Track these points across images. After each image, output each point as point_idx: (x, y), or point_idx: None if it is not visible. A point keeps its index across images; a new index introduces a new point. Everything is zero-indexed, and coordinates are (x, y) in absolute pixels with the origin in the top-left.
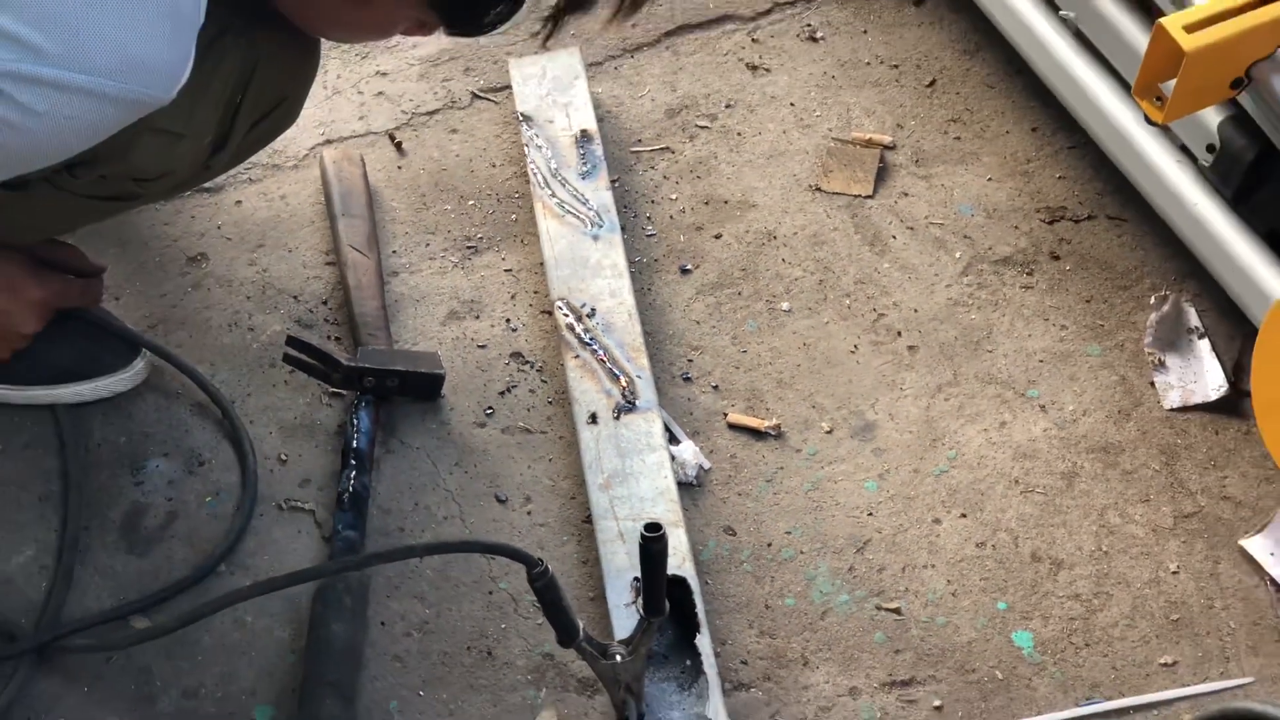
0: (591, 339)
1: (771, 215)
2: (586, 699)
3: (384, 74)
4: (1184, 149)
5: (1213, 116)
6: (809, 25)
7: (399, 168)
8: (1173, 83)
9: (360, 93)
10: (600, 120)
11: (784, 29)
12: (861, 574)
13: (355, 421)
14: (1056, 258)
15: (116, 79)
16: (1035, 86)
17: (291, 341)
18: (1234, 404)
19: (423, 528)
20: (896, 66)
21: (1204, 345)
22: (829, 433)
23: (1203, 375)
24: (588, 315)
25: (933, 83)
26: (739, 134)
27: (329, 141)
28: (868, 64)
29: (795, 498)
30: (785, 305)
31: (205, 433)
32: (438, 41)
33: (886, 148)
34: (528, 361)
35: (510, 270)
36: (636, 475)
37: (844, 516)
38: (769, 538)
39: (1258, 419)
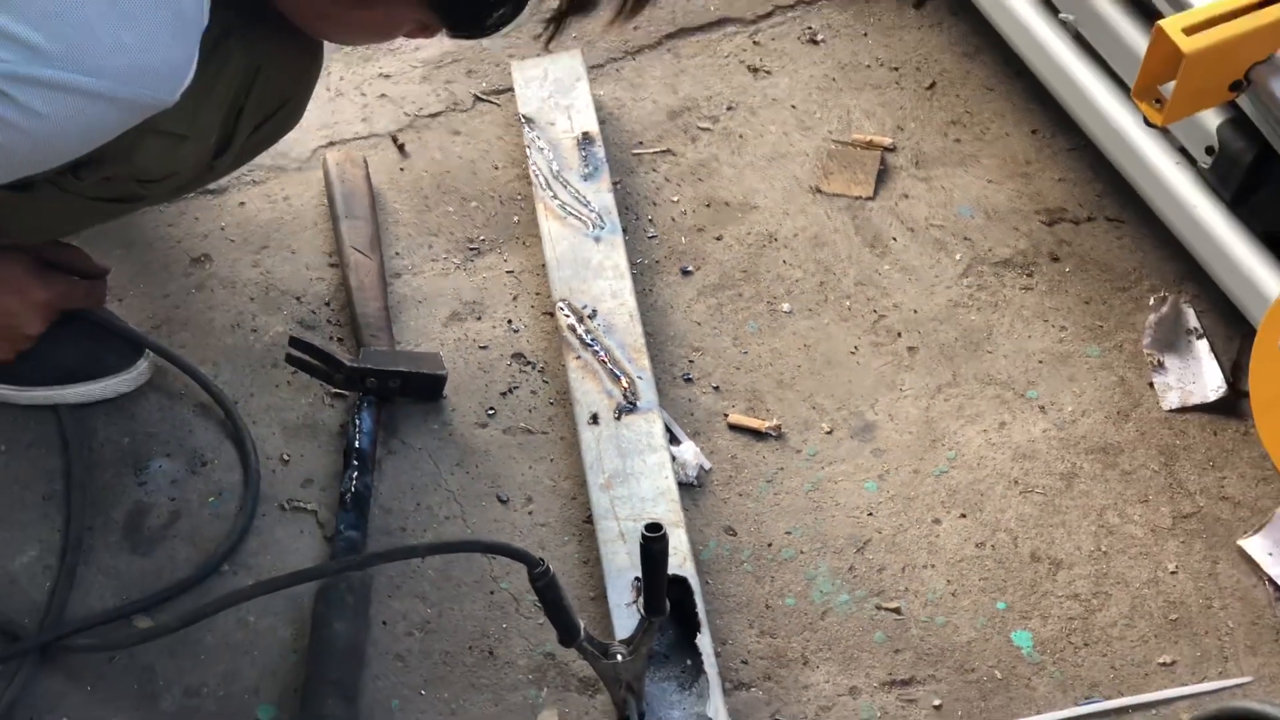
0: (593, 340)
1: (772, 217)
2: (587, 698)
3: (387, 76)
4: (1183, 151)
5: (1211, 119)
6: (809, 28)
7: (401, 169)
8: (1172, 85)
9: (363, 95)
10: (602, 122)
11: (784, 32)
12: (861, 574)
13: (357, 422)
14: (1056, 259)
15: (120, 81)
16: (1035, 89)
17: (294, 342)
18: (1232, 404)
19: (424, 528)
20: (897, 69)
21: (1202, 346)
22: (829, 433)
23: (1201, 376)
24: (589, 316)
25: (933, 85)
26: (740, 136)
27: (332, 143)
28: (868, 66)
29: (795, 498)
30: (786, 306)
31: (208, 433)
32: (440, 44)
33: (887, 150)
34: (529, 362)
35: (512, 271)
36: (637, 475)
37: (844, 517)
38: (769, 538)
39: (1256, 419)
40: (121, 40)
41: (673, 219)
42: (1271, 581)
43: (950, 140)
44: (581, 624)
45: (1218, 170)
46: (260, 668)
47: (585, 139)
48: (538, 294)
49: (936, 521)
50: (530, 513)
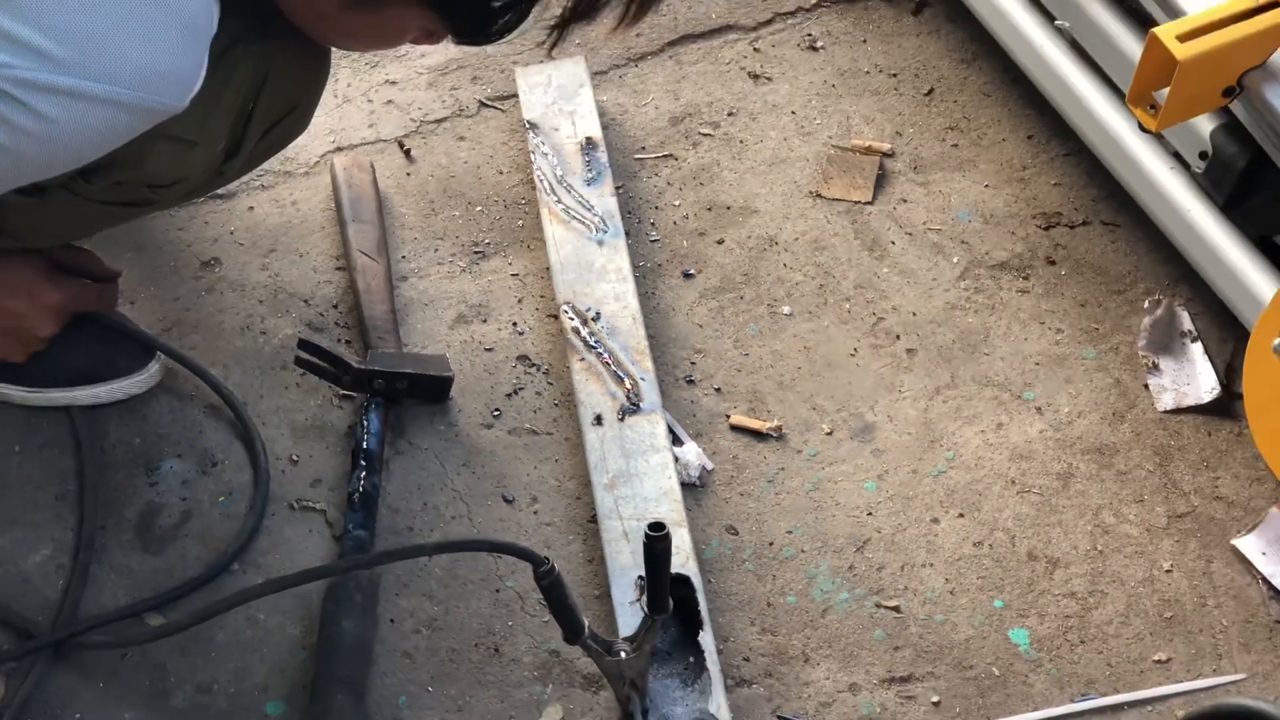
0: (596, 342)
1: (773, 221)
2: (591, 695)
3: (393, 83)
4: (1177, 156)
5: (1205, 124)
6: (809, 35)
7: (408, 174)
8: (1166, 91)
9: (370, 101)
10: (605, 128)
11: (785, 38)
12: (861, 572)
13: (365, 423)
14: (1052, 263)
15: (131, 87)
16: (1031, 95)
17: (303, 344)
18: (1226, 406)
19: (431, 527)
20: (895, 75)
21: (1197, 348)
22: (829, 434)
23: (1195, 378)
24: (593, 319)
25: (931, 91)
26: (741, 141)
27: (339, 149)
28: (867, 73)
29: (796, 498)
30: (786, 309)
31: (218, 434)
32: (445, 50)
33: (885, 155)
34: (534, 364)
35: (517, 275)
36: (641, 476)
37: (844, 516)
38: (770, 537)
39: (1249, 420)
40: (132, 47)
41: (675, 223)
42: (1265, 580)
43: (948, 145)
44: (586, 622)
45: (1211, 175)
46: (270, 665)
47: (589, 144)
48: (542, 297)
49: (935, 521)
50: (535, 512)
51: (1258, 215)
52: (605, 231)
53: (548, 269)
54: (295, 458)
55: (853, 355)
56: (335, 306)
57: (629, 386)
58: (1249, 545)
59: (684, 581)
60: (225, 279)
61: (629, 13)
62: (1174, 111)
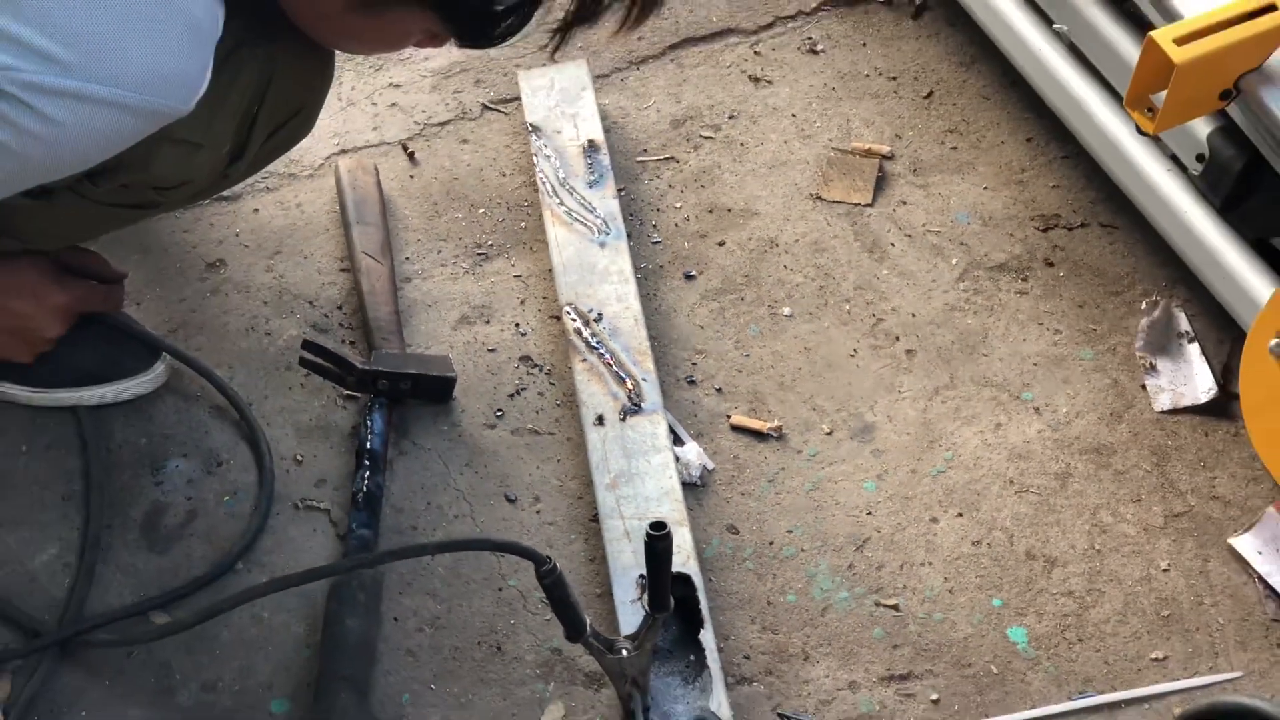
0: (598, 343)
1: (773, 223)
2: (593, 692)
3: (397, 86)
4: (1174, 159)
5: (1202, 127)
6: (809, 38)
7: (411, 177)
8: (1163, 94)
9: (374, 104)
10: (607, 131)
11: (785, 42)
12: (861, 571)
13: (369, 423)
14: (1050, 264)
15: (137, 90)
16: (1030, 98)
17: (307, 345)
18: (1223, 406)
19: (434, 526)
20: (895, 78)
21: (1194, 349)
22: (829, 434)
23: (1192, 378)
24: (595, 320)
25: (930, 94)
26: (742, 144)
27: (344, 151)
28: (867, 76)
29: (796, 497)
30: (787, 310)
31: (223, 434)
32: (449, 54)
33: (885, 157)
34: (536, 365)
35: (520, 276)
36: (642, 475)
37: (844, 516)
38: (771, 536)
39: (1246, 421)
40: (138, 50)
41: (676, 225)
42: (1261, 579)
43: (947, 148)
44: (588, 620)
45: (1208, 177)
46: (274, 663)
47: (591, 147)
48: (544, 298)
49: (934, 520)
50: (538, 512)
51: (1254, 217)
52: (607, 233)
53: (550, 271)
54: (300, 458)
55: (852, 356)
56: (339, 308)
57: (630, 387)
58: (1245, 544)
59: (685, 580)
60: (230, 280)
61: (630, 16)
62: (1171, 114)
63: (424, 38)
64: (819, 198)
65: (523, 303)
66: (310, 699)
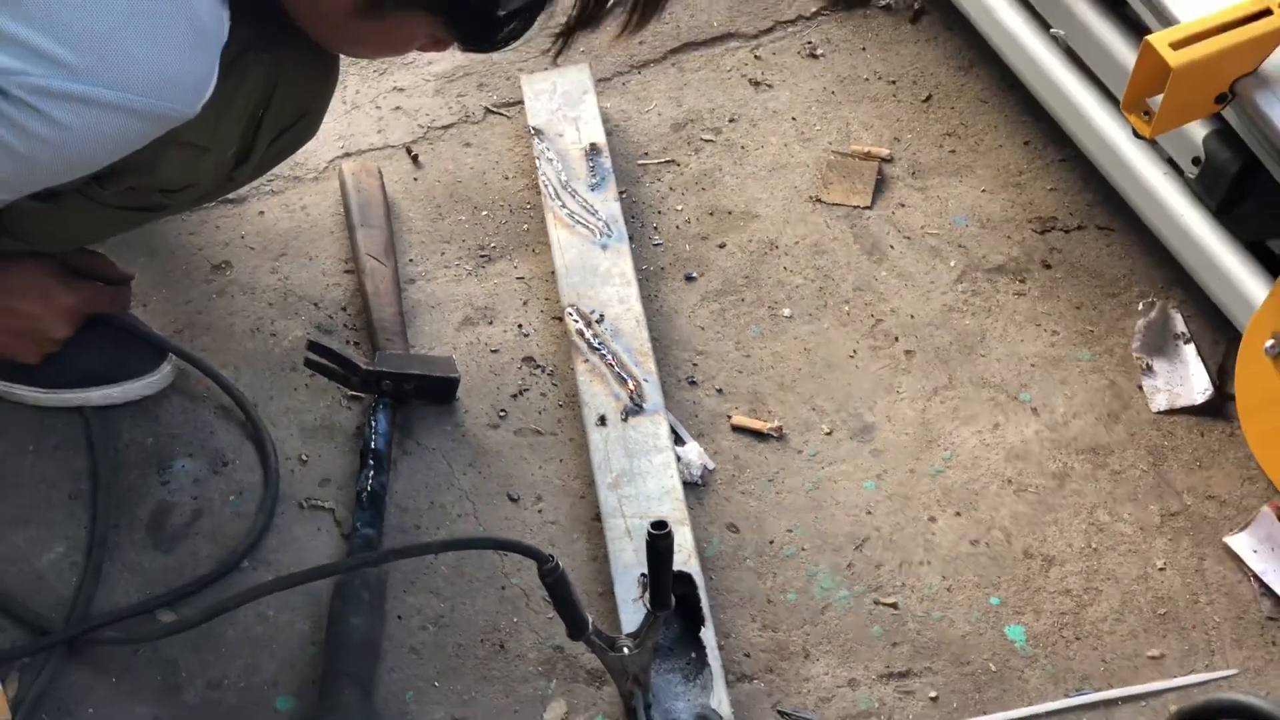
0: (600, 344)
1: (773, 225)
2: (595, 690)
3: (401, 89)
4: (1170, 162)
5: (1198, 130)
6: (809, 42)
7: (415, 179)
8: (1160, 98)
9: (378, 107)
10: (609, 134)
11: (785, 46)
12: (860, 570)
13: (373, 423)
14: (1048, 266)
15: (143, 94)
16: (1027, 101)
17: (312, 346)
18: (1219, 407)
19: (438, 525)
20: (894, 82)
21: (1190, 350)
22: (829, 434)
23: (1189, 379)
24: (597, 321)
25: (929, 98)
26: (742, 147)
27: (348, 154)
28: (866, 80)
29: (796, 497)
30: (787, 312)
31: (229, 434)
32: (452, 58)
33: (884, 160)
34: (539, 366)
35: (522, 278)
36: (644, 475)
37: (843, 515)
38: (771, 535)
39: (1241, 421)
40: (144, 55)
41: (677, 227)
42: (1256, 577)
43: (945, 151)
44: (590, 618)
45: (1204, 180)
46: (279, 661)
47: (593, 150)
48: (547, 300)
49: (933, 519)
50: (540, 511)
51: (1250, 220)
52: (609, 236)
53: (552, 272)
54: (304, 457)
55: (852, 357)
56: (344, 309)
57: (632, 388)
58: (1241, 543)
59: (686, 579)
60: (236, 282)
61: (632, 21)
62: (1168, 118)
63: (428, 42)
64: (819, 200)
65: (525, 304)
66: (315, 696)
